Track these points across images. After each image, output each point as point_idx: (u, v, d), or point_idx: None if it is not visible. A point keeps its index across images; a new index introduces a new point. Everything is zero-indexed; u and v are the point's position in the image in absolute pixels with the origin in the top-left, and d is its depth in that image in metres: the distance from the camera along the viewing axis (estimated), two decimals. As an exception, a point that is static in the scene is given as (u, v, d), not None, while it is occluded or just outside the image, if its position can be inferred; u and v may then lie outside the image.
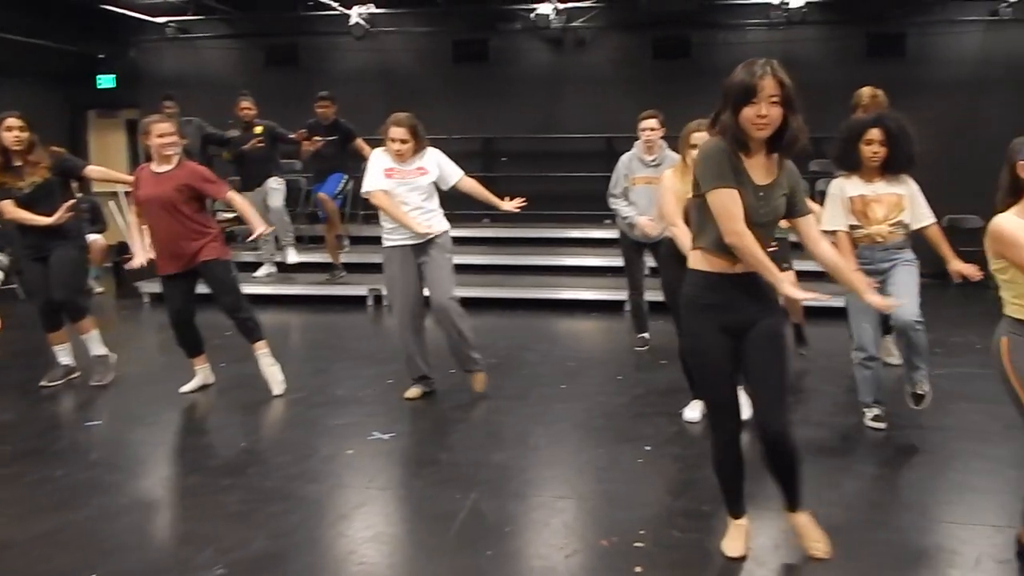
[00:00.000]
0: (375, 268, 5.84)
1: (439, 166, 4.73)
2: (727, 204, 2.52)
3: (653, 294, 5.67)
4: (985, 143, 7.79)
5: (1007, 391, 2.73)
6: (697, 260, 2.71)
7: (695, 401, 4.37)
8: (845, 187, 4.14)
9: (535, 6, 9.20)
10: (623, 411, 4.68)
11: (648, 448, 4.06)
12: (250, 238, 5.03)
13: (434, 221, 4.68)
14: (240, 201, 4.97)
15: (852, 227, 4.13)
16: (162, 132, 4.67)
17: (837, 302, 4.39)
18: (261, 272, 8.27)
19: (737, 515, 2.95)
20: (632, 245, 5.69)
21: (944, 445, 4.11)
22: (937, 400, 4.75)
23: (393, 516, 3.48)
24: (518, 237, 8.77)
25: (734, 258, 2.60)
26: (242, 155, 7.86)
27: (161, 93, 8.15)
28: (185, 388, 5.02)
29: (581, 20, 9.52)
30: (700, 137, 4.02)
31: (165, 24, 9.94)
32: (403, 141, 4.55)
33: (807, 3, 8.76)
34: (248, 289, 7.91)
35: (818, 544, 2.87)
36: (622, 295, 6.69)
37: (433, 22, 9.80)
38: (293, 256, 8.24)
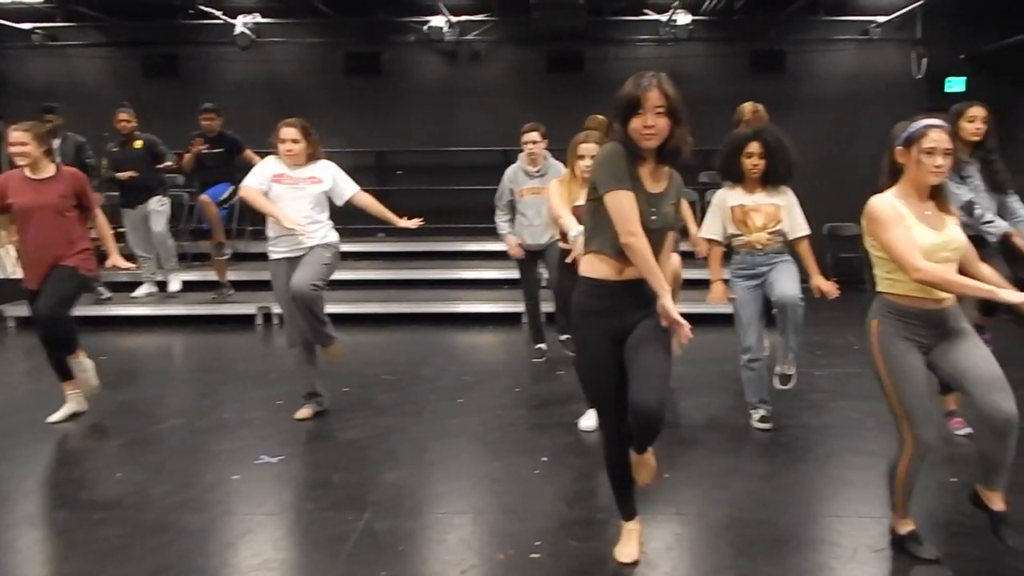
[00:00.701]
0: (264, 285, 5.63)
1: (334, 178, 4.62)
2: (624, 205, 2.56)
3: (551, 305, 5.69)
4: (860, 154, 8.29)
5: (875, 372, 2.87)
6: (587, 267, 2.75)
7: (591, 410, 4.40)
8: (727, 198, 4.34)
9: (428, 19, 9.19)
10: (520, 423, 4.67)
11: (545, 459, 4.05)
12: (107, 262, 4.75)
13: (321, 232, 4.55)
14: (102, 222, 4.77)
15: (733, 235, 4.32)
16: (12, 141, 4.41)
17: (725, 308, 4.55)
18: (140, 292, 7.86)
19: (629, 517, 3.00)
20: (526, 255, 5.72)
21: (824, 442, 4.29)
22: (818, 399, 4.99)
23: (282, 542, 3.33)
24: (414, 251, 8.67)
25: (623, 264, 2.65)
26: (119, 170, 7.47)
27: (43, 105, 7.57)
28: (54, 417, 4.68)
29: (475, 33, 9.56)
30: (588, 148, 4.14)
31: (31, 30, 9.34)
32: (294, 140, 4.46)
33: (694, 21, 9.11)
34: (127, 310, 7.61)
35: (643, 475, 2.82)
36: (520, 307, 6.72)
37: (324, 33, 9.61)
38: (175, 284, 7.89)
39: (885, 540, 3.07)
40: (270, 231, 4.58)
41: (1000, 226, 3.99)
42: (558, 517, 3.43)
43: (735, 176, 4.32)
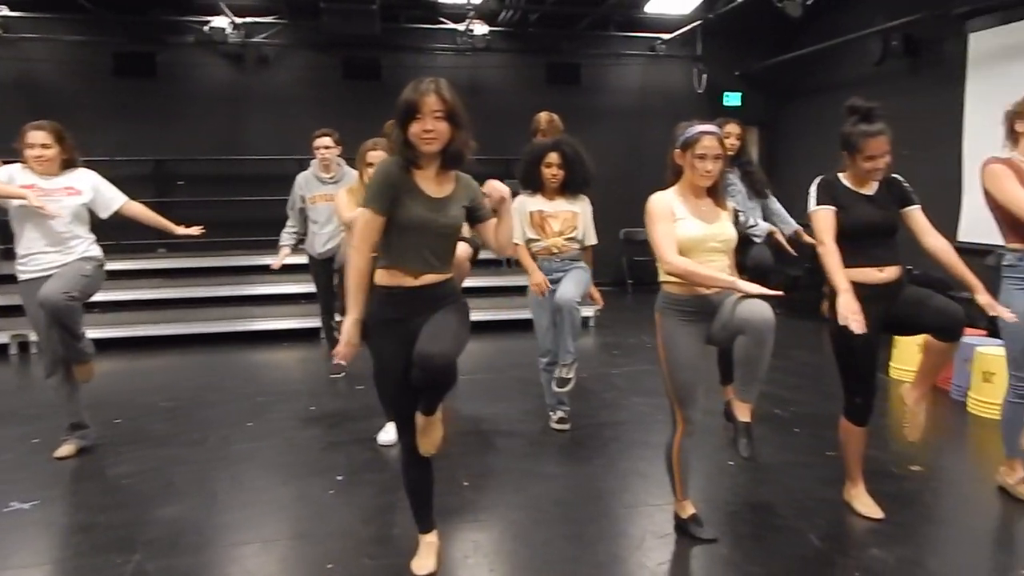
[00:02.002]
0: (18, 311, 4.95)
1: (95, 189, 4.15)
2: (365, 220, 2.59)
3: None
4: (649, 162, 8.79)
5: (658, 361, 3.00)
6: (380, 277, 2.69)
7: (390, 424, 4.27)
8: (527, 203, 4.40)
9: (209, 19, 8.63)
10: (314, 443, 4.43)
11: (340, 478, 3.86)
12: None
13: (81, 247, 4.08)
14: None
15: (531, 240, 4.37)
16: None
17: (525, 314, 4.58)
18: None
19: (427, 529, 2.95)
20: (320, 263, 5.50)
21: (618, 438, 4.43)
22: (613, 397, 5.18)
23: (32, 598, 2.90)
24: (200, 267, 8.05)
25: (415, 272, 2.63)
26: None
27: None
28: None
29: (262, 36, 9.13)
30: (376, 156, 4.08)
31: None
32: (44, 146, 3.97)
33: (491, 32, 9.23)
34: None
35: (426, 443, 2.71)
36: (318, 322, 6.44)
37: (87, 30, 8.73)
38: None
39: (670, 526, 3.21)
40: (20, 248, 4.04)
41: (763, 227, 4.39)
42: (353, 536, 3.25)
43: (535, 185, 4.39)
